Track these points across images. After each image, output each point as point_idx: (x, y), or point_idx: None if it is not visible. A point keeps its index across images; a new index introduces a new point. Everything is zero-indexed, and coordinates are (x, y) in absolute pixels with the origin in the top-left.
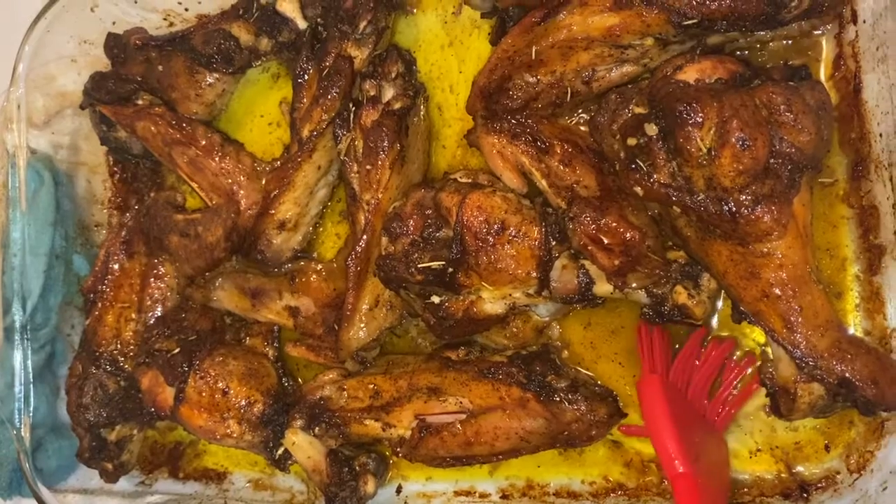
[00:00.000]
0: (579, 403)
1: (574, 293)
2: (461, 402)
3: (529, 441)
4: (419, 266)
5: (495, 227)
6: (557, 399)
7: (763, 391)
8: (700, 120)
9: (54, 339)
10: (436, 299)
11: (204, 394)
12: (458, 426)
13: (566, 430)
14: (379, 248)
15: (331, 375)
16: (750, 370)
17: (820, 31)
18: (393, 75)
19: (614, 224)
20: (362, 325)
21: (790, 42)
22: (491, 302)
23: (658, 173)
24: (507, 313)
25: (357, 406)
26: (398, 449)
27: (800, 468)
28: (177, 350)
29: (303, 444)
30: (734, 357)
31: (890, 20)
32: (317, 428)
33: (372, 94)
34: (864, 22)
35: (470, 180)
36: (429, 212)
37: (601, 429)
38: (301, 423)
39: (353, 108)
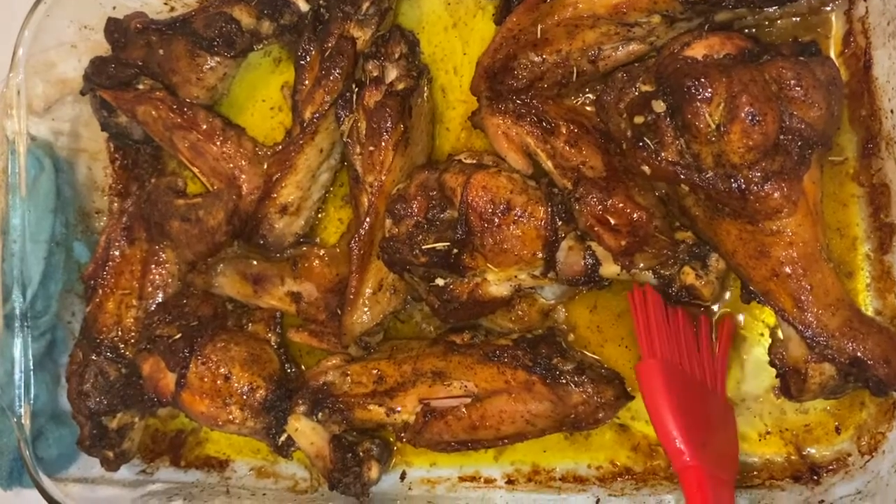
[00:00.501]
0: (585, 386)
1: (580, 275)
2: (466, 386)
3: (535, 424)
4: (423, 248)
5: (500, 207)
6: (563, 382)
7: (770, 371)
8: (709, 95)
9: (55, 327)
10: (440, 282)
11: (205, 379)
12: (463, 410)
13: (572, 413)
14: (382, 231)
15: (334, 361)
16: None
17: (829, 8)
18: (396, 56)
19: (621, 204)
20: (366, 310)
21: (798, 19)
22: (496, 284)
23: (666, 151)
24: (512, 296)
25: (361, 391)
26: (402, 434)
27: (810, 450)
28: (178, 336)
29: (306, 431)
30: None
31: None
32: (320, 413)
33: (375, 74)
34: None
35: (474, 161)
36: (433, 193)
37: (608, 411)
38: (304, 409)
39: (356, 90)
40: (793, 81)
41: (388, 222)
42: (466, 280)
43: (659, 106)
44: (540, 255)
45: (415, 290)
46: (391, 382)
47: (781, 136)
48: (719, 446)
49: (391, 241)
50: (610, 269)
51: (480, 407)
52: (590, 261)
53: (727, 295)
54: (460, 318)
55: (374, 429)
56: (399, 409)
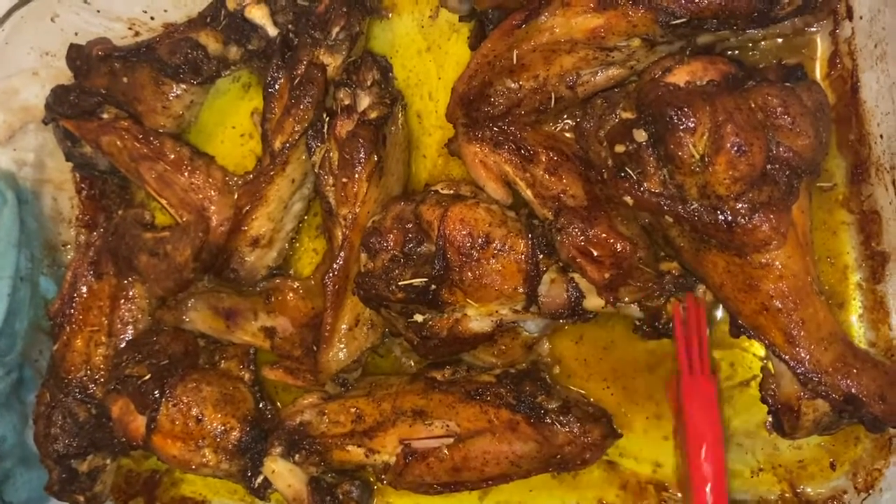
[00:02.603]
0: (572, 425)
1: (564, 308)
2: (448, 426)
3: (520, 465)
4: (400, 283)
5: (479, 241)
6: (549, 421)
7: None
8: (692, 125)
9: (21, 366)
10: (419, 318)
11: (177, 422)
12: (446, 451)
13: (559, 454)
14: (358, 265)
15: (310, 399)
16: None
17: (814, 29)
18: (368, 83)
19: (603, 235)
20: (342, 346)
21: (783, 40)
22: (477, 319)
23: (648, 181)
24: (493, 331)
25: (338, 431)
26: (383, 476)
27: (805, 488)
28: (147, 376)
29: (283, 472)
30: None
31: (888, 15)
32: (297, 455)
33: (346, 103)
34: (861, 18)
35: (452, 192)
36: (409, 226)
37: (595, 452)
38: (280, 451)
39: (327, 118)
40: (779, 109)
41: (364, 257)
42: (446, 315)
43: (640, 135)
44: (521, 289)
45: (393, 325)
46: (370, 422)
47: (768, 166)
48: None
49: (367, 277)
50: (594, 301)
51: (463, 448)
52: (573, 293)
53: None
54: (440, 354)
55: (354, 470)
56: (379, 449)
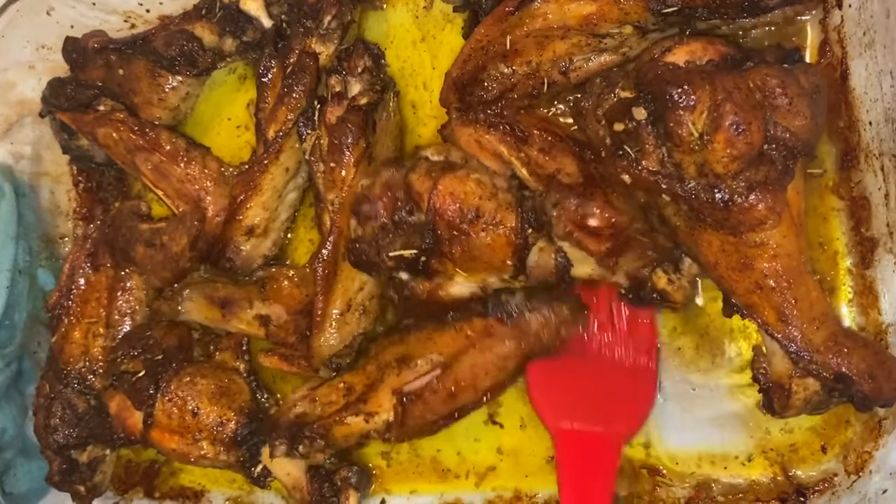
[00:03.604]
0: (540, 309)
1: (551, 276)
2: (431, 359)
3: (507, 366)
4: (391, 254)
5: (469, 215)
6: (518, 313)
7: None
8: (692, 103)
9: (21, 357)
10: (403, 276)
11: (173, 416)
12: (436, 382)
13: (538, 341)
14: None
15: (300, 392)
16: None
17: (804, 17)
18: (359, 70)
19: (598, 210)
20: (333, 332)
21: (773, 29)
22: (461, 285)
23: (646, 160)
24: (472, 295)
25: (333, 409)
26: (388, 435)
27: (796, 471)
28: (142, 372)
29: (282, 461)
30: None
31: (877, 4)
32: (300, 447)
33: (337, 89)
34: (850, 6)
35: (442, 158)
36: (399, 194)
37: (570, 326)
38: (283, 449)
39: (319, 106)
40: (778, 89)
41: (353, 223)
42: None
43: (640, 113)
44: (510, 261)
45: (383, 287)
46: (361, 388)
47: (766, 146)
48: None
49: (357, 243)
50: (581, 269)
51: (452, 372)
52: (561, 262)
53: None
54: (420, 314)
55: (359, 443)
56: (376, 410)
